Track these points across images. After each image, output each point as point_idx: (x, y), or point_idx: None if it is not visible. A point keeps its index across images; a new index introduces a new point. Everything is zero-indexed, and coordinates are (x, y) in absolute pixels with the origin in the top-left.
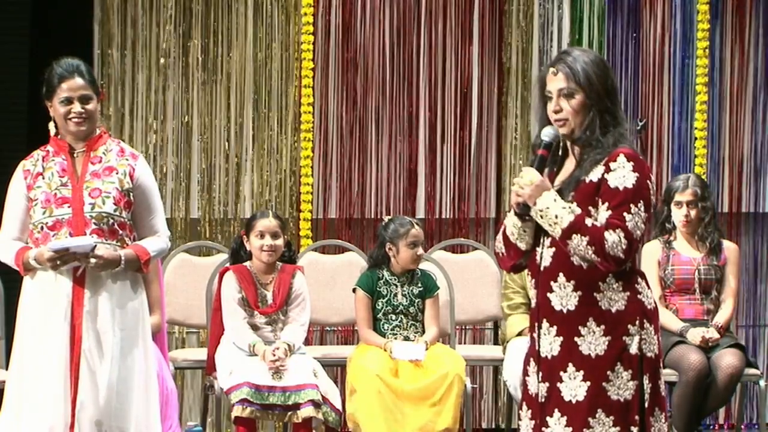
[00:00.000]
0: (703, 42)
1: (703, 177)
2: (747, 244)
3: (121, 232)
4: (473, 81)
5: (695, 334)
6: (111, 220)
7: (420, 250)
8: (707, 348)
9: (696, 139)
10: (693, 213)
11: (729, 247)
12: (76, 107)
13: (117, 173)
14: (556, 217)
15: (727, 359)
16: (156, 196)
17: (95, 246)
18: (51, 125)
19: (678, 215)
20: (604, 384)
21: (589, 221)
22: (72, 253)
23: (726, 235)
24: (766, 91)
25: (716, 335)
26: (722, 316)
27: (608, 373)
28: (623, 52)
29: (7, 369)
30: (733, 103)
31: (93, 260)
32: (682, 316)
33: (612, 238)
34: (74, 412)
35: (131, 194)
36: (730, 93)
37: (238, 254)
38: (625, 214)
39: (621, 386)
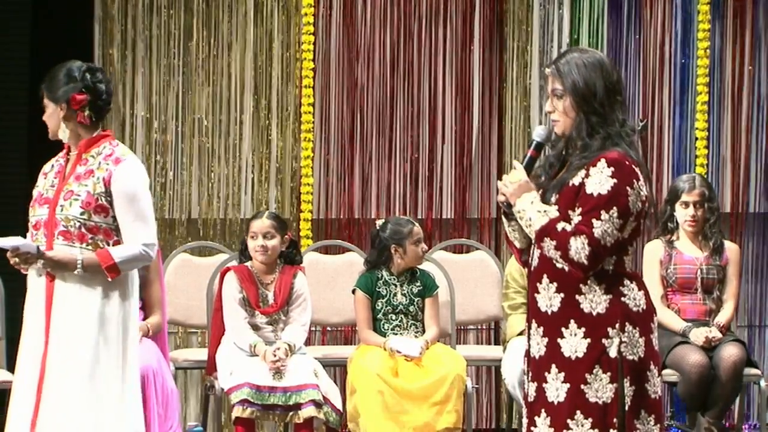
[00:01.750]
0: (703, 42)
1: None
2: (747, 245)
3: (91, 235)
4: (474, 81)
5: (698, 335)
6: (77, 223)
7: (424, 246)
8: (710, 348)
9: (697, 139)
10: (699, 213)
11: (730, 247)
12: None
13: (93, 177)
14: (530, 219)
15: (728, 350)
16: (138, 203)
17: (38, 246)
18: None
19: (684, 215)
20: (582, 386)
21: (560, 225)
22: (26, 253)
23: (727, 235)
24: (766, 91)
25: (719, 335)
26: (724, 315)
27: (587, 375)
28: (624, 52)
29: (7, 369)
30: (734, 103)
31: (40, 261)
32: (684, 316)
33: (575, 244)
34: (37, 413)
35: (104, 199)
36: (731, 93)
37: (244, 255)
38: (593, 220)
39: (599, 389)
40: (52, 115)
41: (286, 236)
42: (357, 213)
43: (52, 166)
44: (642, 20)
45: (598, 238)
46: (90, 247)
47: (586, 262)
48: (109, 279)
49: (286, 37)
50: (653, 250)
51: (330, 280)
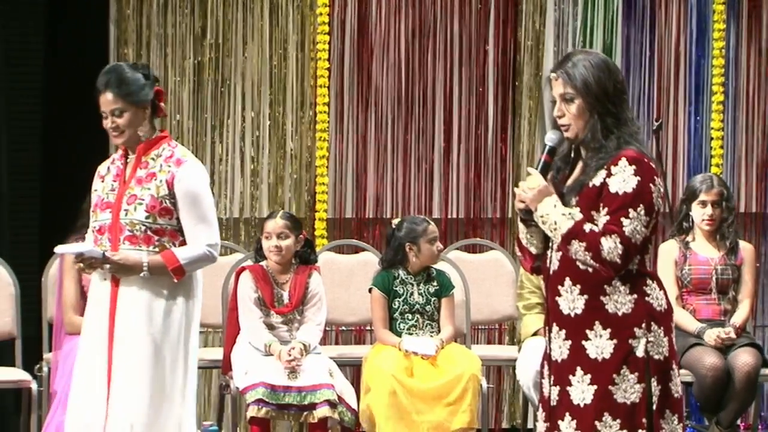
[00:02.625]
0: (719, 42)
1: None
2: (763, 245)
3: (157, 238)
4: (488, 80)
5: (711, 335)
6: (143, 227)
7: (440, 246)
8: (723, 348)
9: (712, 138)
10: (717, 213)
11: (745, 247)
12: (108, 122)
13: (155, 179)
14: (555, 223)
15: (742, 358)
16: (201, 204)
17: (104, 251)
18: None
19: (702, 214)
20: (610, 387)
21: (587, 227)
22: (91, 258)
23: (742, 235)
24: None
25: (732, 335)
26: (739, 316)
27: (614, 376)
28: (639, 52)
29: (23, 369)
30: (749, 102)
31: (107, 265)
32: (699, 316)
33: (608, 244)
34: (107, 413)
35: (168, 201)
36: (746, 93)
37: (260, 254)
38: (622, 219)
39: (627, 389)
40: (134, 119)
41: (301, 236)
42: (371, 212)
43: (108, 168)
44: (657, 20)
45: (629, 237)
46: (157, 250)
47: (618, 261)
48: (175, 281)
49: (300, 37)
50: (668, 251)
51: (345, 279)
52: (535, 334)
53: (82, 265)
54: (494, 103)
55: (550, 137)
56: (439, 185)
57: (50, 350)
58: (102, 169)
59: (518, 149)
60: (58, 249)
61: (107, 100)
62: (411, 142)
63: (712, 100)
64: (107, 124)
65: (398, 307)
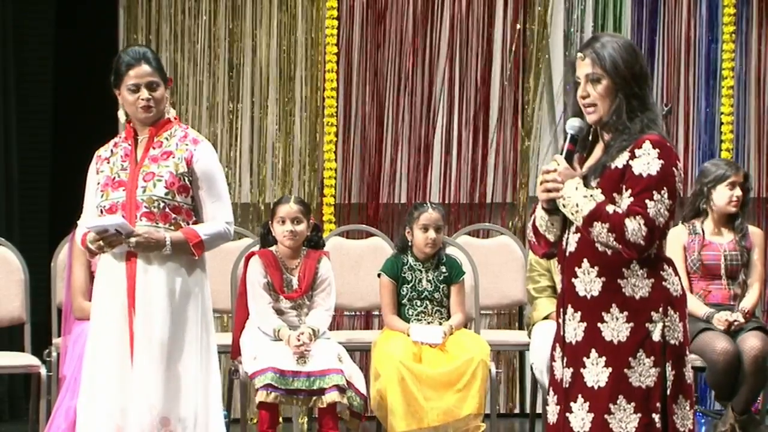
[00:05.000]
0: (729, 26)
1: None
2: None
3: (174, 216)
4: (495, 64)
5: (719, 319)
6: (162, 204)
7: (432, 235)
8: (732, 332)
9: (722, 123)
10: (742, 194)
11: (754, 232)
12: (144, 94)
13: (173, 157)
14: (577, 205)
15: (749, 342)
16: (217, 182)
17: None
18: (120, 113)
19: (730, 196)
20: (625, 370)
21: (610, 208)
22: (114, 234)
23: (753, 220)
24: None
25: (741, 319)
26: (749, 300)
27: (630, 359)
28: (649, 37)
29: (33, 353)
30: (759, 87)
31: (133, 239)
32: (709, 301)
33: (632, 225)
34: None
35: (186, 179)
36: (756, 77)
37: (266, 239)
38: (647, 201)
39: (643, 373)
40: (163, 96)
41: (311, 220)
42: (380, 197)
43: (112, 150)
44: (667, 4)
45: (653, 218)
46: (173, 228)
47: (642, 242)
48: (196, 257)
49: (310, 22)
50: (677, 236)
51: (354, 264)
52: (546, 317)
53: (101, 243)
54: (501, 87)
55: (572, 125)
56: (447, 169)
57: (59, 335)
58: (103, 152)
59: (526, 133)
60: (88, 224)
61: (145, 71)
62: (418, 127)
63: (722, 85)
64: (141, 95)
65: (407, 293)
